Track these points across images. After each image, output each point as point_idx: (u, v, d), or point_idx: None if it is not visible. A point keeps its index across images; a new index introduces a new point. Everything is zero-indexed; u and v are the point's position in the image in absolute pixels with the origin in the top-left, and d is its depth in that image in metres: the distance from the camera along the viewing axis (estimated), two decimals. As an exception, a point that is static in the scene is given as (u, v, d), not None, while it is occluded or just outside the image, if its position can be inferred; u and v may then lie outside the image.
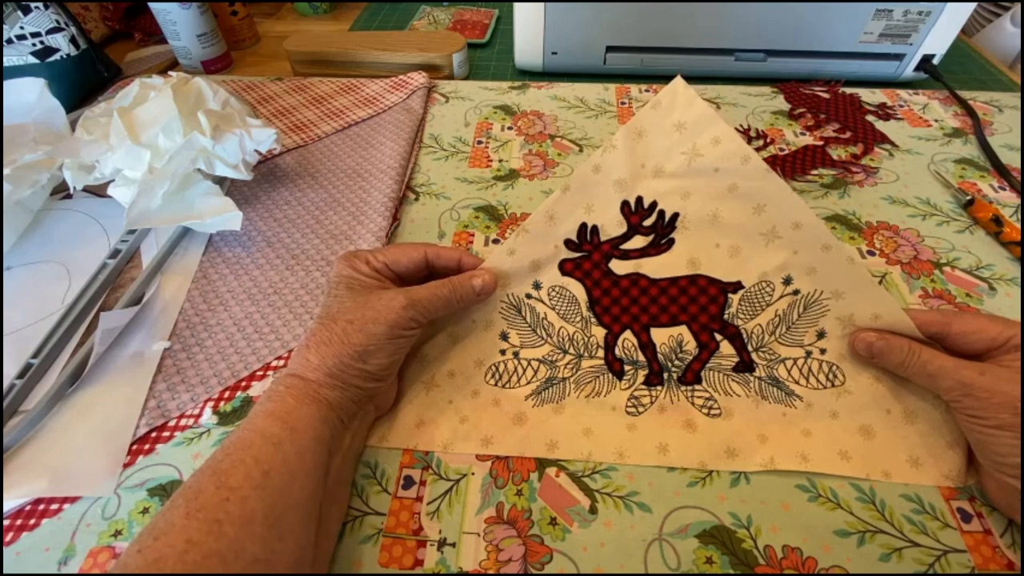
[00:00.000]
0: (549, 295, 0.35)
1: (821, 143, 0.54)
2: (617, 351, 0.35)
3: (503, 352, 0.35)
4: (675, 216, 0.33)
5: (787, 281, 0.33)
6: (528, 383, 0.35)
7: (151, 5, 0.62)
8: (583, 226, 0.34)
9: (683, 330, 0.34)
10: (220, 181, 0.46)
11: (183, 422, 0.33)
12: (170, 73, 0.47)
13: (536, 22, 0.60)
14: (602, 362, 0.35)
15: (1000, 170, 0.50)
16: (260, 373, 0.36)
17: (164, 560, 0.21)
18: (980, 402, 0.27)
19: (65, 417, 0.33)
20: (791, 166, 0.50)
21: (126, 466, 0.31)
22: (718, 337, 0.34)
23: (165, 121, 0.42)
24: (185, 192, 0.43)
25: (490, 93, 0.62)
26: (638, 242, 0.34)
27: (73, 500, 0.30)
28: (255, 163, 0.45)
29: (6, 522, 0.29)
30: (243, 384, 0.35)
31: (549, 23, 0.60)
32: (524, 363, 0.35)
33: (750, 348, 0.34)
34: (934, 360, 0.29)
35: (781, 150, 0.53)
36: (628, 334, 0.35)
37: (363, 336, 0.28)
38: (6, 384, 0.34)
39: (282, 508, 0.24)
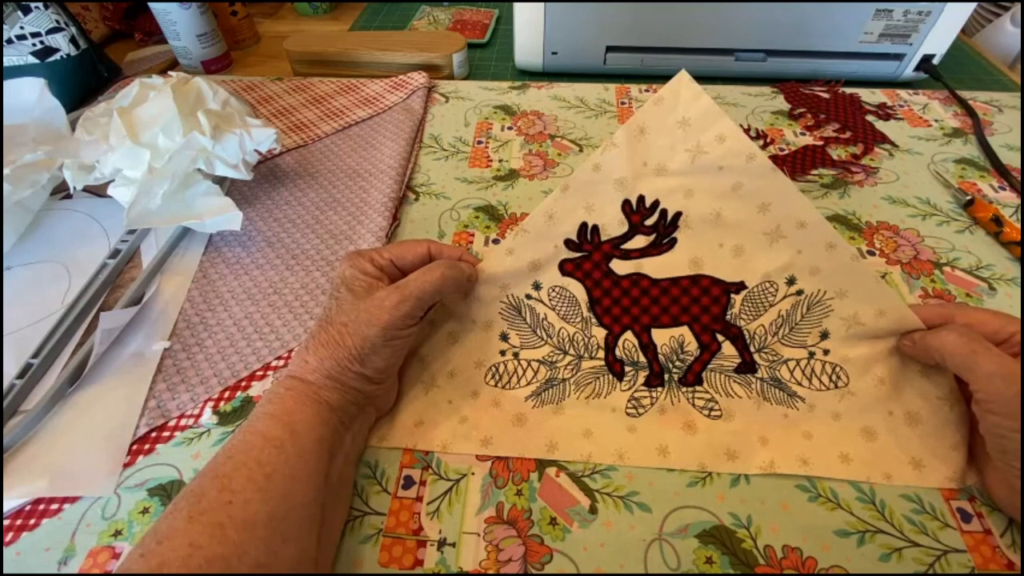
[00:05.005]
0: (549, 296, 0.35)
1: (821, 143, 0.54)
2: (618, 352, 0.35)
3: (503, 353, 0.35)
4: (677, 215, 0.33)
5: (791, 281, 0.33)
6: (528, 384, 0.35)
7: (151, 5, 0.62)
8: (583, 226, 0.34)
9: (684, 331, 0.34)
10: (220, 181, 0.46)
11: (183, 422, 0.33)
12: (170, 73, 0.47)
13: (536, 22, 0.60)
14: (602, 363, 0.35)
15: (1000, 170, 0.50)
16: (260, 373, 0.36)
17: (167, 564, 0.21)
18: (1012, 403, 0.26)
19: (65, 417, 0.33)
20: (791, 166, 0.51)
21: (126, 466, 0.31)
22: (720, 338, 0.34)
23: (165, 121, 0.42)
24: (185, 192, 0.43)
25: (490, 93, 0.62)
26: (639, 242, 0.34)
27: (73, 500, 0.30)
28: (255, 163, 0.45)
29: (6, 522, 0.29)
30: (243, 384, 0.35)
31: (549, 23, 0.60)
32: (524, 364, 0.35)
33: (752, 349, 0.34)
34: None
35: (781, 150, 0.53)
36: (629, 335, 0.35)
37: (358, 339, 0.28)
38: (6, 384, 0.34)
39: (285, 511, 0.24)
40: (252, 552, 0.22)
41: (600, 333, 0.35)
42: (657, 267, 0.34)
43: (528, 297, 0.35)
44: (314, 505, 0.25)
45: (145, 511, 0.30)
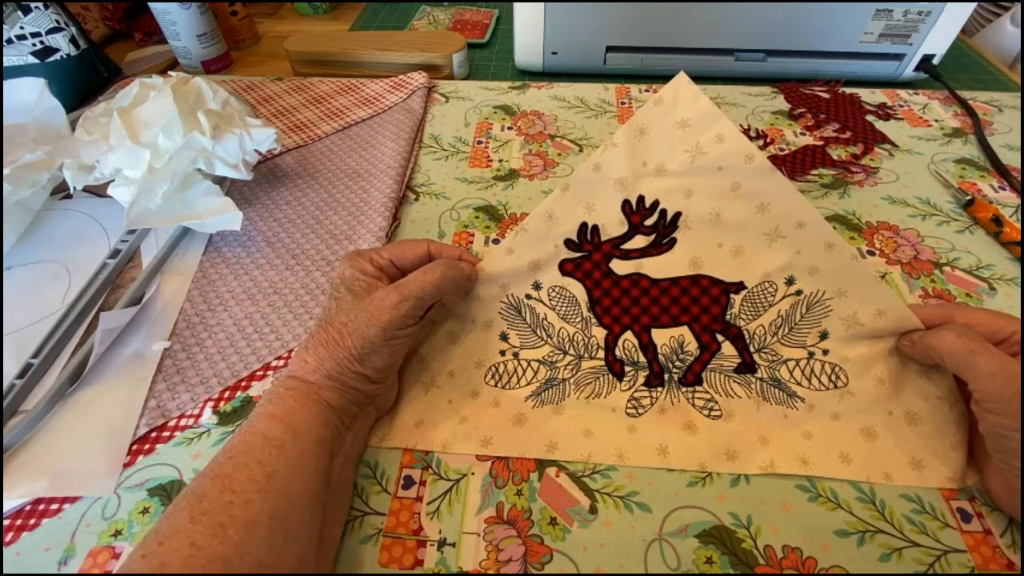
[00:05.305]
0: (549, 295, 0.35)
1: (821, 143, 0.54)
2: (617, 352, 0.35)
3: (503, 353, 0.35)
4: (677, 215, 0.33)
5: (790, 281, 0.33)
6: (528, 384, 0.35)
7: (151, 5, 0.62)
8: (583, 226, 0.34)
9: (684, 331, 0.34)
10: (220, 181, 0.46)
11: (183, 422, 0.33)
12: (170, 73, 0.47)
13: (536, 22, 0.60)
14: (602, 363, 0.35)
15: (1000, 170, 0.50)
16: (260, 373, 0.36)
17: (169, 565, 0.21)
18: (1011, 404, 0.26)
19: (65, 417, 0.33)
20: (791, 166, 0.51)
21: (126, 466, 0.31)
22: (720, 338, 0.34)
23: (165, 121, 0.42)
24: (185, 192, 0.43)
25: (490, 93, 0.62)
26: (639, 242, 0.34)
27: (73, 500, 0.30)
28: (255, 163, 0.45)
29: (6, 522, 0.29)
30: (243, 384, 0.35)
31: (549, 23, 0.60)
32: (524, 364, 0.35)
33: (752, 349, 0.34)
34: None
35: (781, 150, 0.53)
36: (629, 335, 0.35)
37: (358, 339, 0.28)
38: (6, 384, 0.34)
39: (286, 511, 0.24)
40: (253, 552, 0.22)
41: (600, 333, 0.35)
42: (657, 267, 0.34)
43: (528, 297, 0.35)
44: (315, 505, 0.26)
45: (145, 511, 0.30)
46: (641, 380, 0.34)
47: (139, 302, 0.39)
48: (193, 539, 0.22)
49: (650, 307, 0.34)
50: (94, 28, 0.70)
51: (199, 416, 0.34)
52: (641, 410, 0.34)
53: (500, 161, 0.53)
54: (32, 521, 0.29)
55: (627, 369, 0.35)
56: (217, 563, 0.21)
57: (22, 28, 0.54)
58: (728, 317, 0.34)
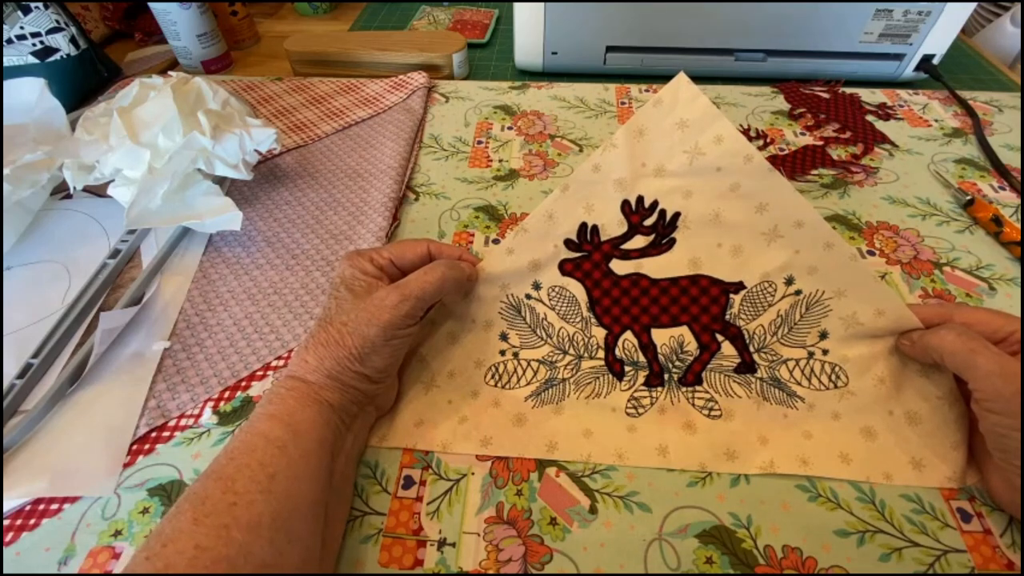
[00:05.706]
0: (549, 295, 0.35)
1: (821, 143, 0.54)
2: (617, 352, 0.35)
3: (503, 353, 0.35)
4: (676, 215, 0.33)
5: (789, 281, 0.33)
6: (528, 384, 0.35)
7: (151, 5, 0.62)
8: (583, 226, 0.34)
9: (684, 331, 0.34)
10: (220, 181, 0.46)
11: (183, 422, 0.33)
12: (170, 73, 0.47)
13: (536, 22, 0.60)
14: (602, 363, 0.35)
15: (1000, 170, 0.50)
16: (260, 373, 0.36)
17: (173, 566, 0.21)
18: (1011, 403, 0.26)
19: (65, 417, 0.33)
20: (791, 166, 0.51)
21: (126, 466, 0.31)
22: (719, 338, 0.34)
23: (165, 121, 0.42)
24: (185, 192, 0.43)
25: (490, 93, 0.62)
26: (639, 242, 0.34)
27: (73, 500, 0.30)
28: (255, 163, 0.45)
29: (6, 522, 0.29)
30: (243, 384, 0.35)
31: (549, 23, 0.60)
32: (524, 364, 0.35)
33: (752, 349, 0.34)
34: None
35: (781, 150, 0.53)
36: (629, 335, 0.35)
37: (358, 338, 0.28)
38: (6, 384, 0.34)
39: (288, 511, 0.24)
40: (258, 553, 0.22)
41: (600, 333, 0.35)
42: (656, 267, 0.34)
43: (528, 297, 0.35)
44: (318, 505, 0.26)
45: (145, 511, 0.30)
46: (641, 380, 0.34)
47: (139, 302, 0.39)
48: (197, 540, 0.22)
49: (650, 307, 0.34)
50: (94, 28, 0.70)
51: (199, 416, 0.34)
52: (641, 410, 0.34)
53: (500, 161, 0.53)
54: (32, 521, 0.29)
55: (627, 369, 0.35)
56: (221, 564, 0.21)
57: (22, 28, 0.54)
58: (728, 317, 0.34)
